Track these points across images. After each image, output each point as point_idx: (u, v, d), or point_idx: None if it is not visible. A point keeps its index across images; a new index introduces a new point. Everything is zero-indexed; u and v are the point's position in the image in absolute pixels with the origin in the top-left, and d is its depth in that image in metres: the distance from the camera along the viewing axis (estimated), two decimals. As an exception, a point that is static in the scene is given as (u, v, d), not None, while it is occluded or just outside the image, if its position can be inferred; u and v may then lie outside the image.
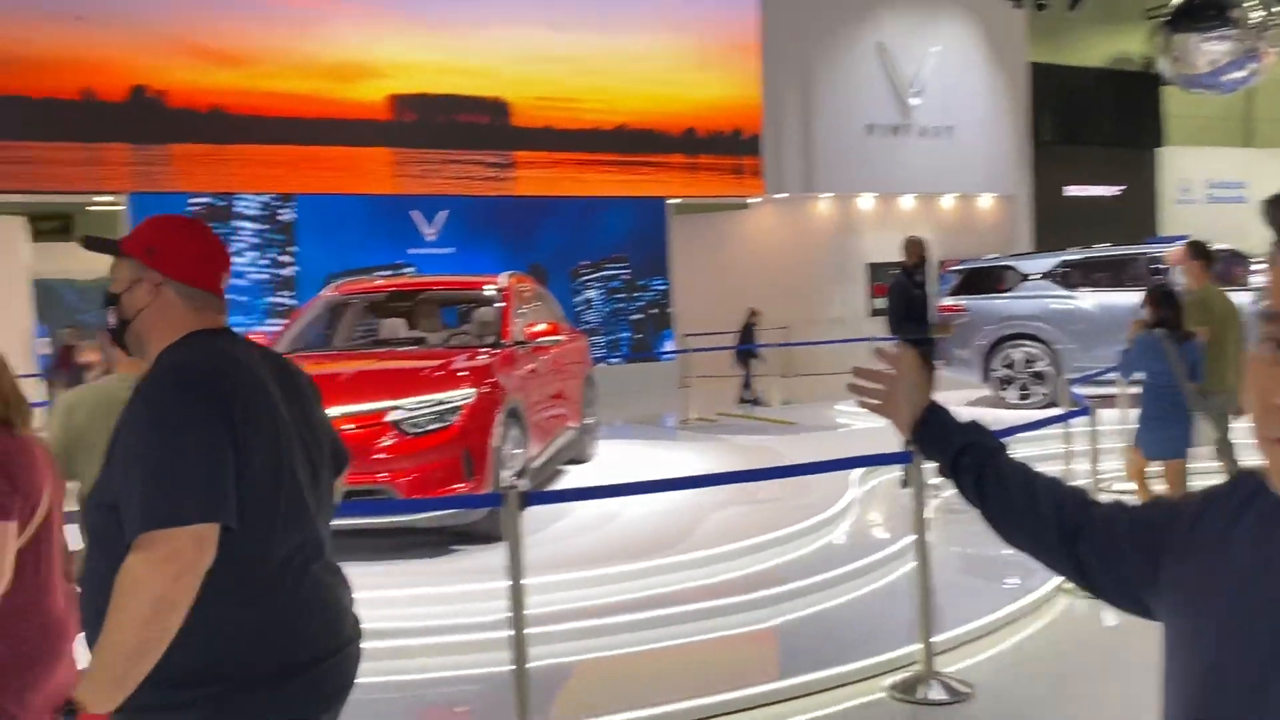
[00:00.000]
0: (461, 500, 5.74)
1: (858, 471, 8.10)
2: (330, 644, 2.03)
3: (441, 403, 5.77)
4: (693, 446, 9.97)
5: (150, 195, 15.26)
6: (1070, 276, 11.26)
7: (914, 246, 8.19)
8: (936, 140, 20.47)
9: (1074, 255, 11.44)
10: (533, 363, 7.14)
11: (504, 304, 7.16)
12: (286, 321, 7.31)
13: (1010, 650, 4.94)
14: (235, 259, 15.83)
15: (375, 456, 5.61)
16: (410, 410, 5.70)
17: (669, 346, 18.26)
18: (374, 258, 16.23)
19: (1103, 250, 11.65)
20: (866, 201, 20.57)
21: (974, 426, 1.64)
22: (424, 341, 7.15)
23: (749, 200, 19.81)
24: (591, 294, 17.96)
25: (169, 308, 2.04)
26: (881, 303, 20.66)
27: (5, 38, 14.37)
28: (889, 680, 4.48)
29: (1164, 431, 6.13)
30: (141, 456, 1.84)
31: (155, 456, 1.83)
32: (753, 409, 13.97)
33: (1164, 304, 6.17)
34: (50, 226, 20.33)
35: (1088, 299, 10.94)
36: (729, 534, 6.07)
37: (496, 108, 17.24)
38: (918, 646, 4.52)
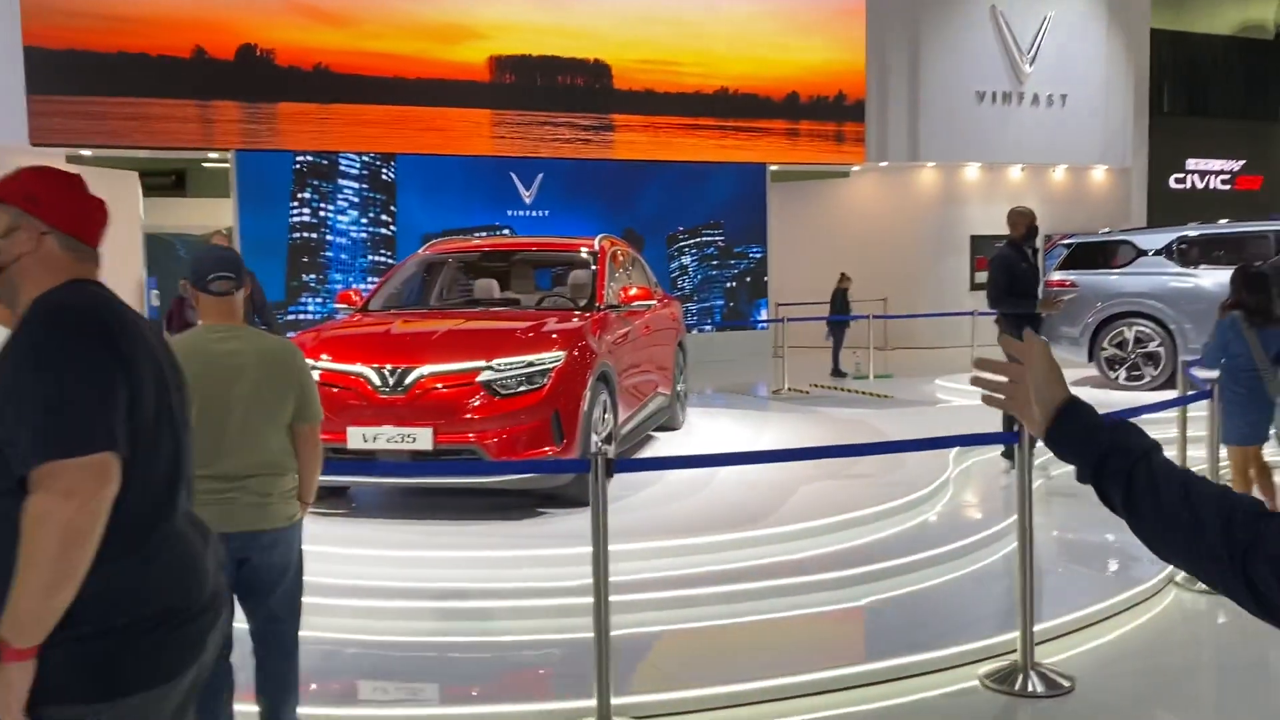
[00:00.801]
0: (547, 465, 5.70)
1: (955, 449, 7.87)
2: (198, 597, 2.02)
3: (532, 364, 5.72)
4: (785, 418, 9.80)
5: (256, 152, 15.58)
6: (1189, 253, 10.71)
7: (1021, 218, 7.82)
8: (1049, 109, 19.72)
9: (1193, 231, 10.87)
10: (625, 327, 7.05)
11: (598, 267, 7.08)
12: (379, 281, 7.35)
13: (1114, 643, 4.70)
14: (338, 217, 16.15)
15: (465, 416, 5.60)
16: (500, 371, 5.67)
17: (763, 316, 18.03)
18: (472, 219, 16.33)
19: (1225, 226, 11.05)
20: (972, 172, 19.95)
21: (1123, 425, 1.43)
22: (517, 303, 7.12)
23: (850, 168, 19.38)
24: (686, 260, 17.80)
25: (50, 257, 2.00)
26: (984, 277, 20.10)
27: (122, -4, 14.76)
28: (984, 669, 4.30)
29: (1242, 418, 5.91)
30: (32, 394, 1.81)
31: (47, 392, 1.80)
32: (843, 381, 13.71)
33: (1247, 287, 5.91)
34: (164, 182, 20.97)
35: (1207, 277, 10.39)
36: (820, 509, 5.91)
37: (596, 70, 17.12)
38: (1015, 634, 4.33)
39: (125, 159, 16.51)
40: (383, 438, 5.60)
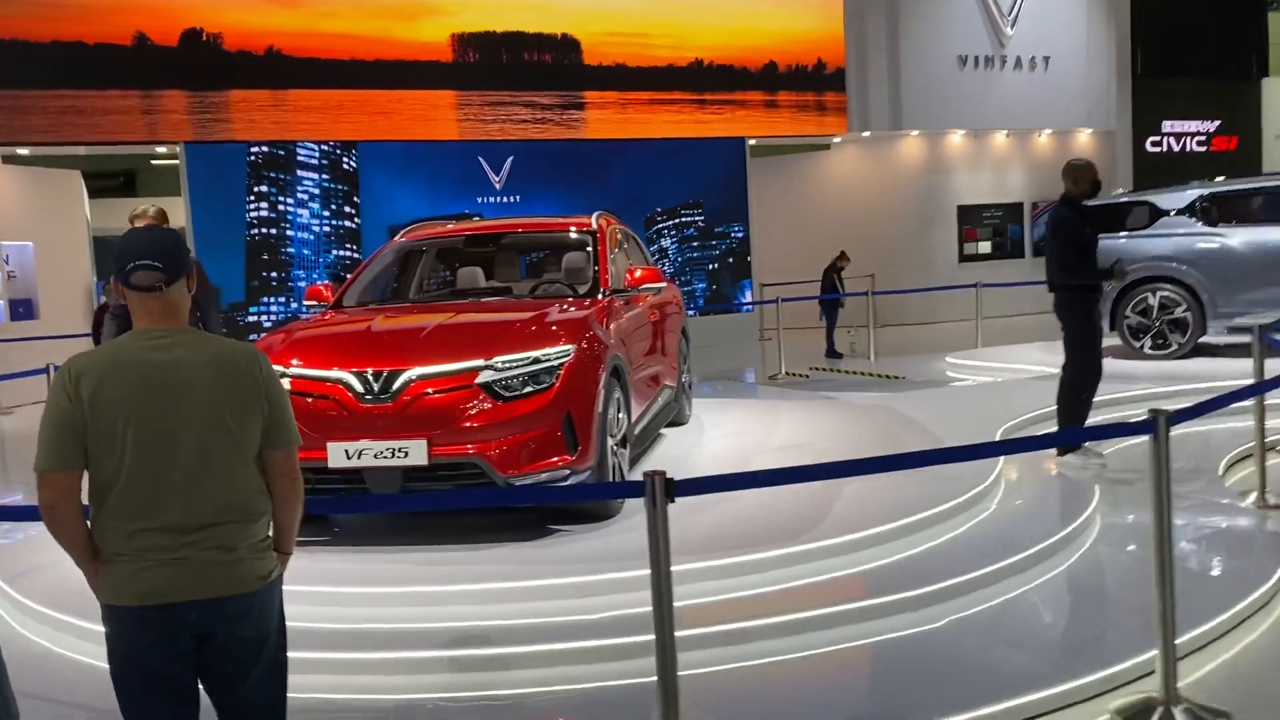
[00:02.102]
0: (593, 490, 4.94)
1: (1000, 426, 7.17)
2: None
3: (538, 361, 4.94)
4: (797, 406, 9.07)
5: (207, 144, 14.61)
6: (1212, 212, 10.07)
7: (1084, 172, 6.54)
8: (1032, 73, 19.13)
9: (1219, 188, 10.23)
10: (632, 314, 6.28)
11: (598, 248, 6.29)
12: (352, 274, 6.51)
13: (1252, 658, 4.00)
14: (299, 211, 15.22)
15: (464, 424, 4.81)
16: (502, 370, 4.88)
17: (748, 297, 17.30)
18: (441, 208, 15.43)
19: (1255, 180, 10.43)
20: (957, 139, 19.30)
21: None
22: (508, 292, 6.31)
23: (832, 140, 18.68)
24: (666, 243, 17.04)
25: None
26: (974, 247, 19.50)
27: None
28: (1115, 703, 3.58)
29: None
30: None
31: None
32: (841, 362, 13.00)
33: None
34: (111, 184, 19.87)
35: (1236, 236, 9.77)
36: (873, 512, 5.18)
37: (564, 45, 16.29)
38: (1144, 659, 3.62)
39: (67, 157, 15.48)
40: (369, 453, 4.80)
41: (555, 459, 4.91)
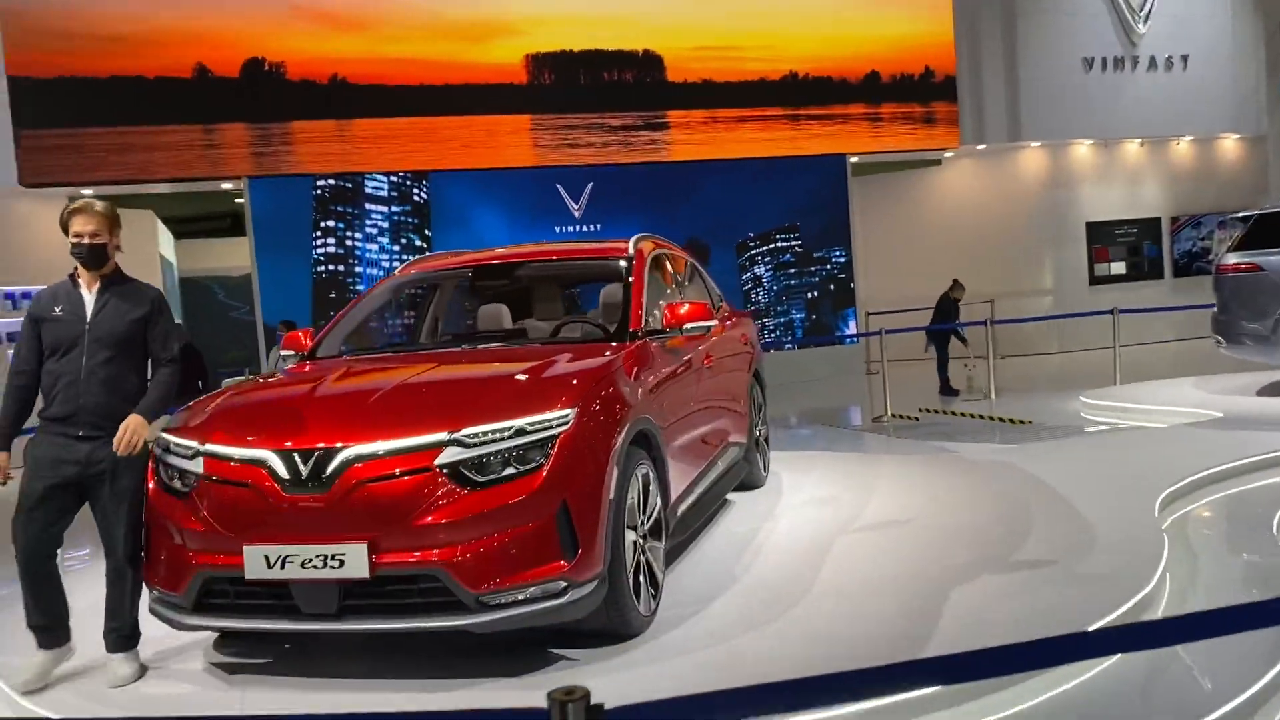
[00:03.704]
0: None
1: (1158, 495, 5.58)
2: None
3: (522, 432, 3.65)
4: (899, 462, 7.58)
5: (271, 179, 13.90)
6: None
7: None
8: (1168, 74, 17.18)
9: None
10: (674, 360, 4.95)
11: (633, 279, 4.98)
12: (336, 315, 5.34)
13: None
14: (367, 245, 14.36)
15: (419, 522, 3.54)
16: (472, 446, 3.60)
17: (852, 328, 15.76)
18: (517, 239, 14.38)
19: None
20: (1084, 150, 17.43)
21: None
22: (521, 336, 5.05)
23: (943, 154, 17.04)
24: (760, 270, 15.65)
25: None
26: (1106, 269, 17.55)
27: (115, 14, 13.21)
28: None
29: None
30: None
31: None
32: (955, 401, 11.40)
33: None
34: (220, 225, 19.58)
35: None
36: (990, 634, 3.72)
37: (647, 62, 15.14)
38: None
39: (136, 196, 15.00)
40: (296, 560, 3.58)
41: (545, 567, 3.60)
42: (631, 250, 5.25)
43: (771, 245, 15.72)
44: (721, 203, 15.28)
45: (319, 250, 14.14)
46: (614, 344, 4.54)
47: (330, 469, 3.61)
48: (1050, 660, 2.62)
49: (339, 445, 3.63)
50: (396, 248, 14.44)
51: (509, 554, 3.56)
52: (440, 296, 5.68)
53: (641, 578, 4.11)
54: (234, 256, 18.81)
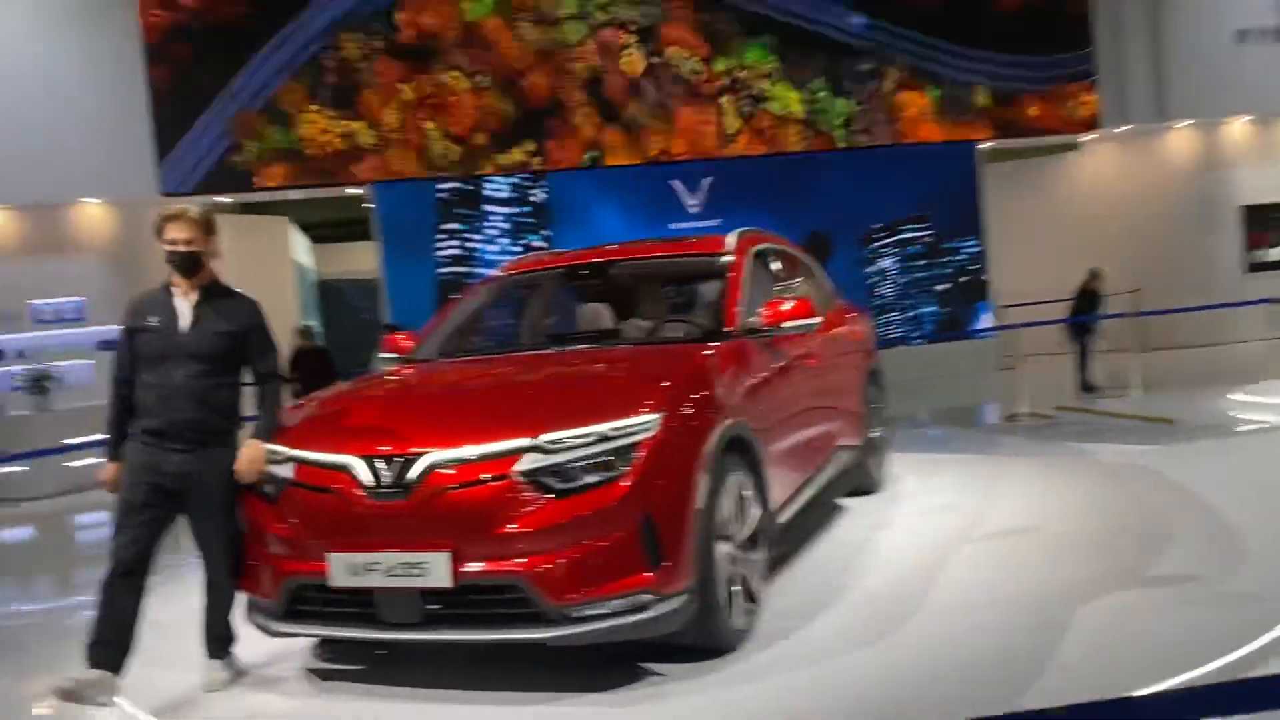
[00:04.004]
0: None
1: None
2: None
3: (605, 438, 3.50)
4: (1027, 466, 7.16)
5: (395, 184, 14.17)
6: None
7: None
8: (1333, 44, 15.86)
9: None
10: (777, 359, 4.72)
11: (732, 275, 4.78)
12: (437, 315, 5.30)
13: None
14: (485, 247, 14.52)
15: (500, 530, 3.43)
16: (551, 452, 3.47)
17: (984, 321, 15.12)
18: (633, 236, 14.28)
19: None
20: (1239, 128, 16.30)
21: None
22: (616, 336, 4.90)
23: (1081, 138, 16.17)
24: (886, 263, 15.15)
25: None
26: (1264, 255, 16.39)
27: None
28: None
29: None
30: None
31: None
32: (1095, 398, 10.76)
33: None
34: (332, 233, 20.22)
35: None
36: (1124, 666, 3.39)
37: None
38: None
39: (272, 203, 15.53)
40: (380, 569, 3.52)
41: (629, 579, 3.44)
42: (731, 245, 5.05)
43: (898, 236, 15.20)
44: (844, 194, 14.85)
45: (441, 253, 14.36)
46: (708, 344, 4.34)
47: (412, 475, 3.53)
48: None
49: (421, 451, 3.55)
50: (516, 248, 14.52)
51: (591, 565, 3.42)
52: (538, 297, 5.58)
53: (736, 590, 3.91)
54: (367, 260, 19.38)
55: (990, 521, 5.49)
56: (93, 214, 13.70)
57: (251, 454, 3.86)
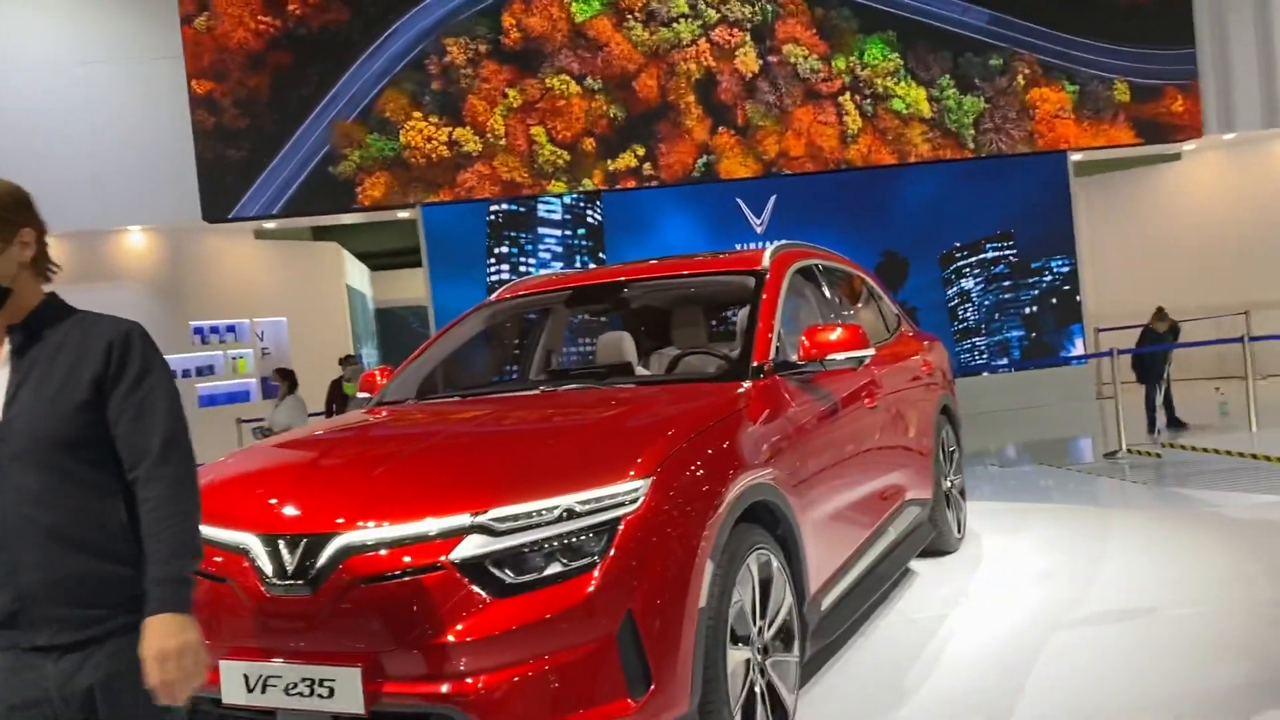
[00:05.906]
0: None
1: None
2: None
3: (571, 514, 2.62)
4: (1145, 516, 6.08)
5: (444, 205, 13.53)
6: None
7: None
8: None
9: None
10: (821, 400, 3.80)
11: (763, 298, 3.87)
12: (415, 351, 4.47)
13: None
14: (539, 270, 13.79)
15: (427, 640, 2.56)
16: (502, 532, 2.60)
17: (1078, 347, 13.89)
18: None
19: None
20: (1361, 133, 14.84)
21: None
22: (626, 372, 4.00)
23: (1182, 148, 14.87)
24: (968, 284, 14.03)
25: None
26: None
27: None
28: None
29: None
30: None
31: None
32: (1185, 434, 9.57)
33: None
34: (389, 262, 19.86)
35: None
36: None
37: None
38: None
39: (320, 228, 15.05)
40: (279, 683, 2.68)
41: (602, 708, 2.55)
42: (766, 263, 4.13)
43: (981, 256, 14.07)
44: (921, 211, 13.81)
45: (493, 276, 13.67)
46: (729, 382, 3.44)
47: (321, 562, 2.69)
48: None
49: (331, 531, 2.71)
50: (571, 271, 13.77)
51: (550, 690, 2.53)
52: (538, 325, 4.74)
53: (759, 706, 2.99)
54: (418, 287, 18.92)
55: (1094, 597, 4.46)
56: (135, 241, 13.32)
57: (160, 646, 1.89)
